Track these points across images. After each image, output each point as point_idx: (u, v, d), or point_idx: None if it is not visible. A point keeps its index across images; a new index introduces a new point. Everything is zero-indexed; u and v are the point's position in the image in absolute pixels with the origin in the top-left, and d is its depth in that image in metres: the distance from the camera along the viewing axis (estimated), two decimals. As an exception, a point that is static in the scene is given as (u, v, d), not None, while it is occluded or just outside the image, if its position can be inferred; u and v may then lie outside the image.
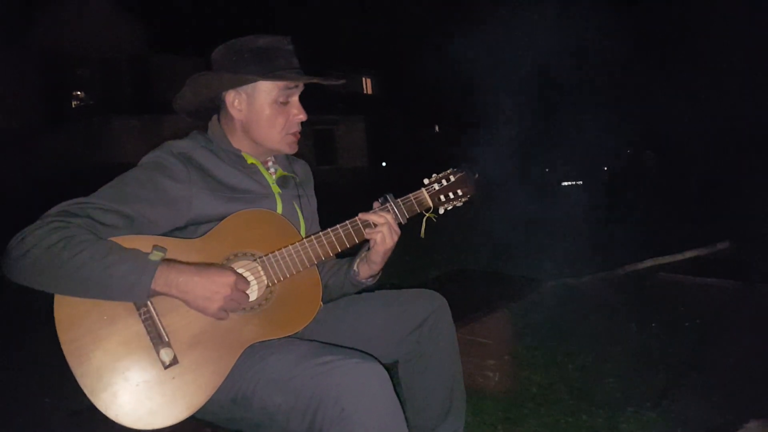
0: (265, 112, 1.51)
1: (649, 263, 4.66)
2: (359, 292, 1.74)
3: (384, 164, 23.29)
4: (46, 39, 16.55)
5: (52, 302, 1.26)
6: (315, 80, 1.51)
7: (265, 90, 1.50)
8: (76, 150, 15.44)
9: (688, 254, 4.87)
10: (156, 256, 1.27)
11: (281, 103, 1.52)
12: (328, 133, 20.94)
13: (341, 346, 1.44)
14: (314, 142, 19.60)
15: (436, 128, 27.44)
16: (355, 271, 1.64)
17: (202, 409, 1.31)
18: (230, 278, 1.29)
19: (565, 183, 16.28)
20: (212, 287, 1.27)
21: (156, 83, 17.92)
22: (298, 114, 1.55)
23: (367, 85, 26.06)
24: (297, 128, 1.57)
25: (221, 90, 1.52)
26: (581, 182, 16.16)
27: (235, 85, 1.49)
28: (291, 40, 1.54)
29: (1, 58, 15.41)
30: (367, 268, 1.61)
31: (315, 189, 1.82)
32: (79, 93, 18.38)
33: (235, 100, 1.51)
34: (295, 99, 1.55)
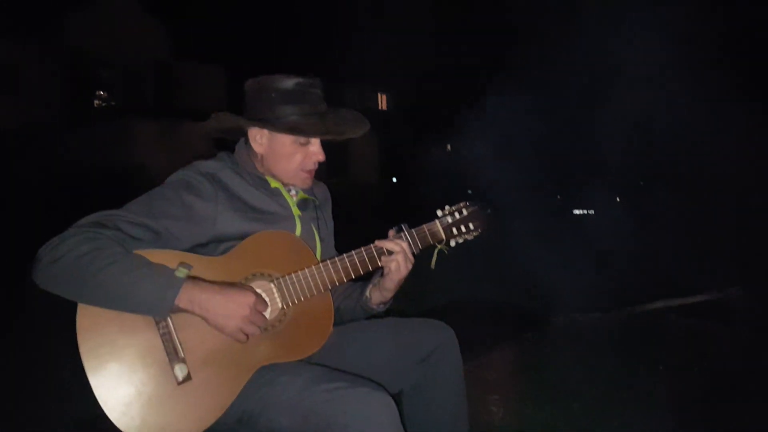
0: (284, 150, 1.56)
1: (659, 305, 4.63)
2: (368, 318, 1.76)
3: (394, 180, 23.32)
4: (72, 38, 16.87)
5: (75, 309, 1.29)
6: (329, 137, 1.57)
7: None
8: (95, 150, 15.60)
9: (700, 298, 4.83)
10: (182, 272, 1.30)
11: (301, 143, 1.57)
12: (340, 145, 20.98)
13: (349, 373, 1.45)
14: (326, 155, 19.65)
15: (448, 147, 27.50)
16: (367, 297, 1.66)
17: (209, 428, 1.32)
18: (250, 299, 1.32)
19: (577, 211, 16.21)
20: (232, 306, 1.30)
21: (178, 89, 18.17)
22: (317, 154, 1.60)
23: (383, 101, 26.36)
24: (313, 167, 1.62)
25: (244, 126, 1.58)
26: (593, 211, 16.05)
27: (257, 125, 1.55)
28: (320, 82, 1.60)
29: (29, 56, 15.73)
30: (380, 294, 1.63)
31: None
32: (102, 93, 18.64)
33: (257, 134, 1.57)
34: (317, 140, 1.59)
